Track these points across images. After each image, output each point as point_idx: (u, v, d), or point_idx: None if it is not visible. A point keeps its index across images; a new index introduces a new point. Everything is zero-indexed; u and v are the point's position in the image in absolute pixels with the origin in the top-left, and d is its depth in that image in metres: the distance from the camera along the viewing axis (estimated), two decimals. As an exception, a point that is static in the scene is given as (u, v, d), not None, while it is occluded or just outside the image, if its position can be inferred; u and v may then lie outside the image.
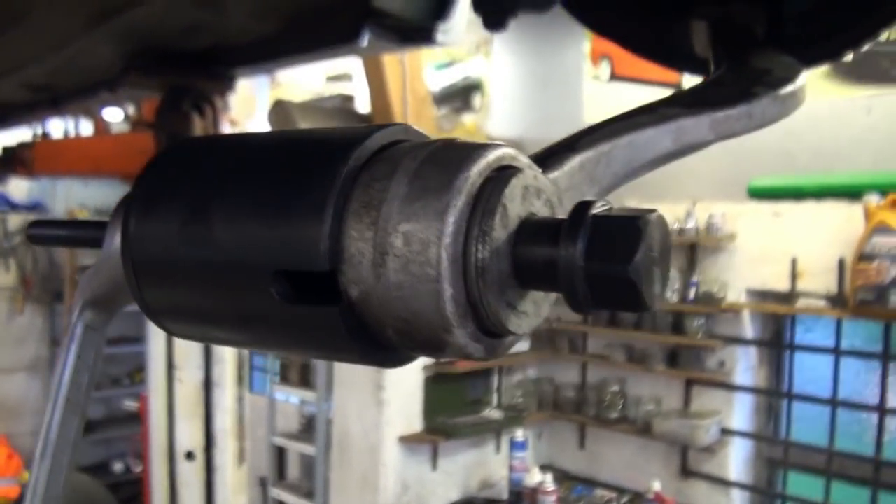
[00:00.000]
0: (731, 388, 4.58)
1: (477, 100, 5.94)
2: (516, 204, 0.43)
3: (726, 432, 4.57)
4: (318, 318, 0.44)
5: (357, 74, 5.53)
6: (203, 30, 1.63)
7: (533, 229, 0.43)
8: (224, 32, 1.65)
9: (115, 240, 0.55)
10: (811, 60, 0.85)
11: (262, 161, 0.49)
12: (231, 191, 0.48)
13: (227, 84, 1.86)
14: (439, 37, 1.57)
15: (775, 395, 4.57)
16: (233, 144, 0.54)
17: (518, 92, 5.79)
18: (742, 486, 4.58)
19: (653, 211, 0.42)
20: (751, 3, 0.78)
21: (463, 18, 1.58)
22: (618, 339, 5.11)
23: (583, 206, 0.42)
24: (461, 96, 5.96)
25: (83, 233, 0.63)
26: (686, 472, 4.78)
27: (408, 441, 4.67)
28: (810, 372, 4.40)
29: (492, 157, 0.43)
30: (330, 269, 0.42)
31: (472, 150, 0.42)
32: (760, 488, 4.60)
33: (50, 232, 0.67)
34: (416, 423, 4.74)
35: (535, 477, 4.83)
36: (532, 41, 5.50)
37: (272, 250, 0.44)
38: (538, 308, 0.46)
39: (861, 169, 4.01)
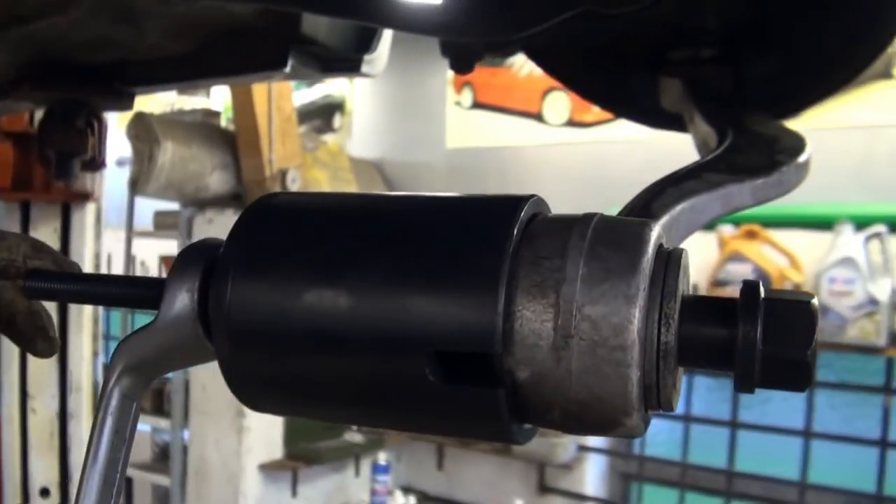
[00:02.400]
0: (587, 406, 4.75)
1: (337, 119, 5.91)
2: (682, 282, 0.44)
3: (583, 448, 4.74)
4: (476, 400, 0.42)
5: (215, 88, 5.37)
6: (112, 44, 1.54)
7: (698, 308, 0.44)
8: (134, 48, 1.57)
9: (179, 302, 0.49)
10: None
11: (401, 228, 0.46)
12: (370, 259, 0.44)
13: (126, 101, 1.76)
14: (364, 67, 1.56)
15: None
16: (351, 205, 0.50)
17: (380, 114, 5.81)
18: (598, 500, 4.77)
19: (811, 295, 0.43)
20: (718, 64, 0.83)
21: (386, 49, 1.58)
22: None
23: (753, 287, 0.42)
24: (321, 115, 5.90)
25: (130, 291, 0.55)
26: (544, 488, 4.92)
27: (268, 469, 4.54)
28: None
29: (655, 235, 0.43)
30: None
31: (639, 229, 0.43)
32: (615, 502, 4.80)
33: (74, 287, 0.58)
34: (276, 450, 4.61)
35: (397, 500, 4.82)
36: (395, 64, 5.54)
37: (430, 327, 0.41)
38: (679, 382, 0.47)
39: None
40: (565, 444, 4.67)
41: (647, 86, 0.86)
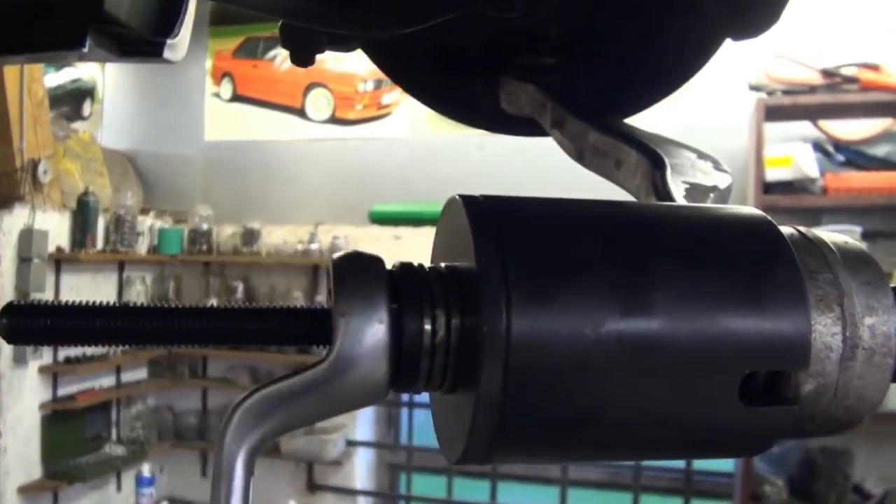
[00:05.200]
0: (355, 401, 4.79)
1: (87, 107, 5.46)
2: None
3: (351, 443, 4.77)
4: (770, 419, 0.42)
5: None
6: None
7: None
8: None
9: (369, 336, 0.39)
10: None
11: (677, 242, 0.43)
12: (668, 278, 0.40)
13: None
14: (166, 52, 1.47)
15: (395, 406, 4.88)
16: (598, 215, 0.44)
17: (133, 102, 5.44)
18: (367, 493, 4.82)
19: None
20: (559, 72, 0.86)
21: (187, 35, 1.48)
22: (241, 361, 5.04)
23: None
24: (70, 101, 5.42)
25: (282, 325, 0.42)
26: (313, 486, 4.89)
27: (28, 491, 4.12)
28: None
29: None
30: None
31: (855, 244, 0.46)
32: (384, 493, 4.88)
33: (204, 324, 0.42)
34: (35, 470, 4.20)
35: (163, 513, 4.58)
36: (127, 61, 5.22)
37: (746, 348, 0.40)
38: None
39: (472, 199, 4.47)
40: (335, 441, 4.67)
41: (487, 88, 0.88)
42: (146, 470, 4.63)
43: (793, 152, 3.61)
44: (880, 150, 3.77)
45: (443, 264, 0.44)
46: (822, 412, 0.44)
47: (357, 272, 0.40)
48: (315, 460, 4.76)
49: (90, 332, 0.40)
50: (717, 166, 0.66)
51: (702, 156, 0.68)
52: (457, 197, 0.43)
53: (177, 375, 5.13)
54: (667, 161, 0.61)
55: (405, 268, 0.42)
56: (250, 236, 4.85)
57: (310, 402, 0.39)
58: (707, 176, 0.62)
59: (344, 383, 0.39)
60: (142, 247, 4.81)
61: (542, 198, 0.45)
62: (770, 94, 3.54)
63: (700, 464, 4.13)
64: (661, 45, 0.84)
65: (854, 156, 3.70)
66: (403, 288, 0.40)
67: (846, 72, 3.45)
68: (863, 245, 0.47)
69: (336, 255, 0.41)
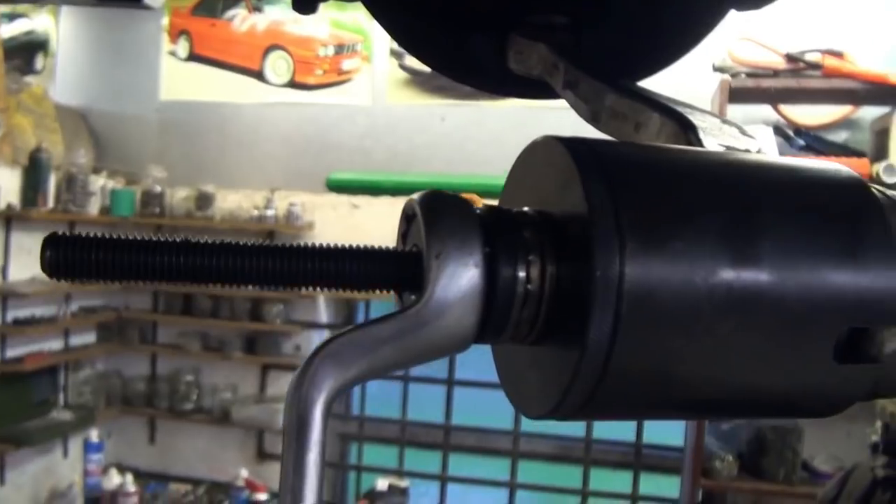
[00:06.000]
0: (307, 370, 4.76)
1: (40, 60, 5.27)
2: None
3: (303, 413, 4.73)
4: (855, 377, 0.41)
5: None
6: None
7: None
8: None
9: (465, 281, 0.37)
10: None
11: (779, 193, 0.41)
12: (775, 228, 0.39)
13: None
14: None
15: (347, 375, 4.85)
16: (697, 163, 0.43)
17: (87, 58, 5.26)
18: (317, 464, 4.80)
19: None
20: (570, 31, 0.84)
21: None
22: (192, 328, 4.96)
23: None
24: (22, 54, 5.22)
25: (372, 267, 0.40)
26: (263, 455, 4.86)
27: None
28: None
29: None
30: None
31: None
32: (334, 463, 4.86)
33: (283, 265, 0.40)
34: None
35: (113, 479, 4.49)
36: (105, 5, 5.06)
37: (846, 305, 0.39)
38: None
39: (434, 171, 4.45)
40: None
41: (495, 48, 0.85)
42: (94, 436, 4.54)
43: (754, 134, 3.65)
44: (839, 137, 3.83)
45: (529, 209, 0.41)
46: (890, 375, 0.43)
47: (450, 212, 0.38)
48: (266, 428, 4.72)
49: (148, 267, 0.39)
50: (742, 132, 0.65)
51: (725, 121, 0.66)
52: (550, 137, 0.40)
53: (126, 340, 5.04)
54: (696, 124, 0.60)
55: (494, 211, 0.39)
56: (204, 200, 4.75)
57: (395, 349, 0.37)
58: (737, 140, 0.61)
59: (433, 330, 0.37)
60: (93, 207, 4.67)
61: (637, 143, 0.44)
62: (734, 76, 3.56)
63: (650, 438, 4.20)
64: (668, 9, 0.82)
65: (813, 141, 3.75)
66: (496, 232, 0.38)
67: (810, 57, 3.49)
68: None
69: (418, 194, 0.38)
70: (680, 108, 0.64)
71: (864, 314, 0.40)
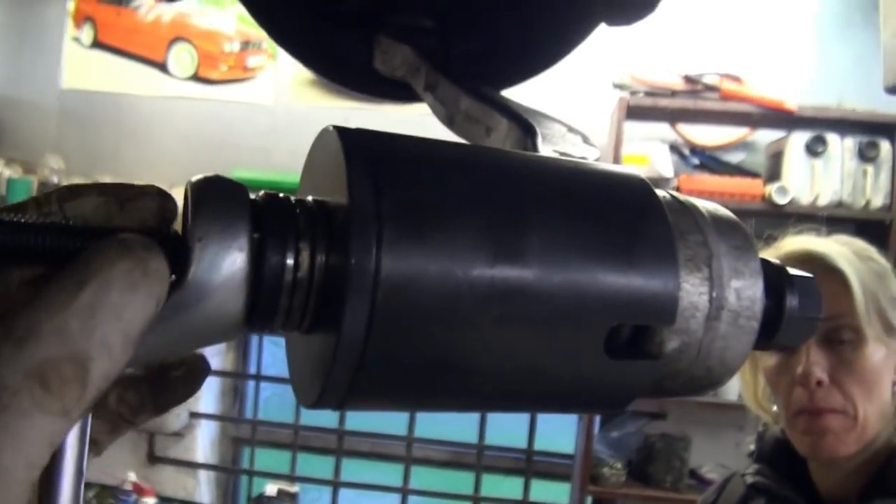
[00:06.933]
0: (201, 372, 4.65)
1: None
2: None
3: (195, 415, 4.62)
4: (633, 373, 0.42)
5: None
6: None
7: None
8: None
9: (226, 266, 0.35)
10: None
11: (553, 191, 0.42)
12: (544, 225, 0.39)
13: None
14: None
15: (241, 378, 4.75)
16: (472, 157, 0.43)
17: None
18: (208, 467, 4.69)
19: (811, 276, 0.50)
20: (436, 35, 0.85)
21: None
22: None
23: (780, 267, 0.48)
24: None
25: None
26: (153, 458, 4.71)
27: None
28: (281, 354, 4.70)
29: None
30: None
31: (725, 211, 0.48)
32: (226, 467, 4.76)
33: None
34: None
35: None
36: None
37: (617, 301, 0.40)
38: None
39: (337, 171, 4.40)
40: (177, 413, 4.51)
41: (361, 48, 0.85)
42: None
43: (649, 152, 3.76)
44: (735, 157, 3.97)
45: (310, 198, 0.40)
46: (684, 371, 0.45)
47: (218, 197, 0.36)
48: (156, 431, 4.58)
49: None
50: (585, 140, 0.66)
51: (571, 129, 0.68)
52: (330, 127, 0.40)
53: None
54: (538, 130, 0.61)
55: (269, 198, 0.38)
56: (101, 193, 4.60)
57: (156, 334, 0.34)
58: (576, 148, 0.62)
59: (196, 314, 0.35)
60: (-14, 195, 4.46)
61: (418, 136, 0.43)
62: (633, 94, 3.66)
63: (541, 445, 4.26)
64: (537, 19, 0.84)
65: (708, 160, 3.89)
66: (267, 218, 0.37)
67: (708, 80, 3.62)
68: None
69: (195, 177, 0.37)
70: (528, 116, 0.66)
71: (634, 312, 0.41)
